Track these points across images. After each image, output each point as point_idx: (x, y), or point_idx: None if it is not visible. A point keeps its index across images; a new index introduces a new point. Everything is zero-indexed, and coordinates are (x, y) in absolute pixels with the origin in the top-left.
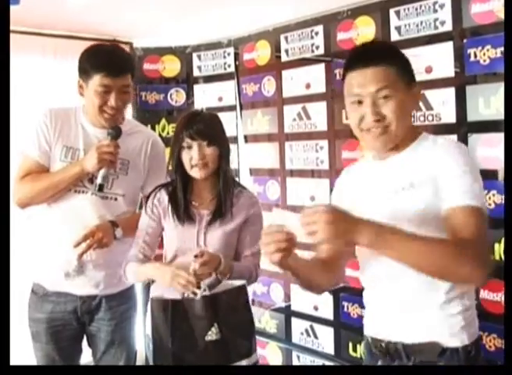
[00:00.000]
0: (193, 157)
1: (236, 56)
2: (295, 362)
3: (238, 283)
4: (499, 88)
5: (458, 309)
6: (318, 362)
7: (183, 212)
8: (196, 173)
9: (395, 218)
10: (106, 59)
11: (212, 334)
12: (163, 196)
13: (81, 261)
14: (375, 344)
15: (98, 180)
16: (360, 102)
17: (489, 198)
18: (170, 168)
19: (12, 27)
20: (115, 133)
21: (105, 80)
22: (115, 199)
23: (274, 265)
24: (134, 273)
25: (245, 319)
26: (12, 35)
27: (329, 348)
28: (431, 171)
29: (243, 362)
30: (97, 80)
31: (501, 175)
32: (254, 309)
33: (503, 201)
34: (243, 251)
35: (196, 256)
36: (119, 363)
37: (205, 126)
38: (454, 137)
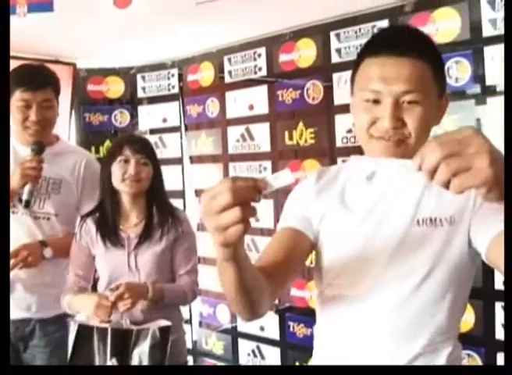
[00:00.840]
0: (128, 171)
1: (180, 77)
2: None
3: (162, 324)
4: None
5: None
6: None
7: (112, 236)
8: (127, 186)
9: (401, 253)
10: (25, 75)
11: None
12: (89, 225)
13: None
14: None
15: (24, 196)
16: (376, 102)
17: None
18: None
19: None
20: (38, 148)
21: (25, 94)
22: (48, 219)
23: (222, 248)
24: (69, 306)
25: (151, 360)
26: None
27: None
28: (458, 207)
29: None
30: (17, 96)
31: None
32: (201, 331)
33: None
34: (178, 271)
35: (112, 289)
36: None
37: (145, 146)
38: None
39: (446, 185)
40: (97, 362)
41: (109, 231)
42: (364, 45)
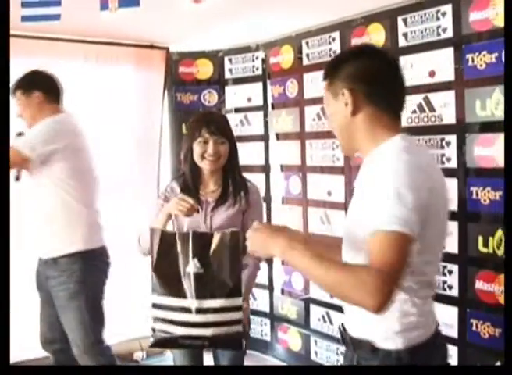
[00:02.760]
0: (208, 151)
1: (264, 60)
2: (313, 347)
3: (234, 229)
4: (494, 91)
5: (395, 315)
6: (333, 346)
7: (193, 199)
8: (207, 165)
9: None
10: None
11: (193, 267)
12: (175, 187)
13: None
14: (340, 332)
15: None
16: None
17: (484, 194)
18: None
19: (56, 36)
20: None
21: None
22: None
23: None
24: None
25: (230, 261)
26: (56, 43)
27: None
28: (371, 182)
29: (225, 302)
30: None
31: None
32: (282, 297)
33: (497, 198)
34: None
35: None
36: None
37: (222, 126)
38: (453, 137)
39: None
40: (180, 264)
41: (191, 195)
42: None
